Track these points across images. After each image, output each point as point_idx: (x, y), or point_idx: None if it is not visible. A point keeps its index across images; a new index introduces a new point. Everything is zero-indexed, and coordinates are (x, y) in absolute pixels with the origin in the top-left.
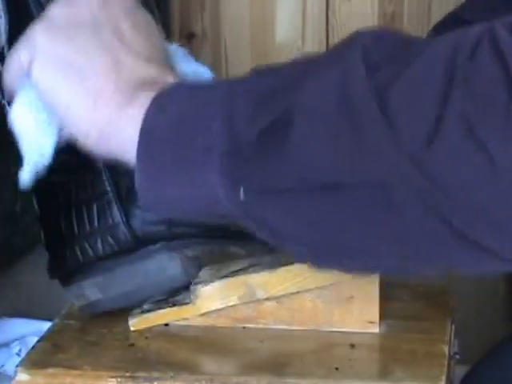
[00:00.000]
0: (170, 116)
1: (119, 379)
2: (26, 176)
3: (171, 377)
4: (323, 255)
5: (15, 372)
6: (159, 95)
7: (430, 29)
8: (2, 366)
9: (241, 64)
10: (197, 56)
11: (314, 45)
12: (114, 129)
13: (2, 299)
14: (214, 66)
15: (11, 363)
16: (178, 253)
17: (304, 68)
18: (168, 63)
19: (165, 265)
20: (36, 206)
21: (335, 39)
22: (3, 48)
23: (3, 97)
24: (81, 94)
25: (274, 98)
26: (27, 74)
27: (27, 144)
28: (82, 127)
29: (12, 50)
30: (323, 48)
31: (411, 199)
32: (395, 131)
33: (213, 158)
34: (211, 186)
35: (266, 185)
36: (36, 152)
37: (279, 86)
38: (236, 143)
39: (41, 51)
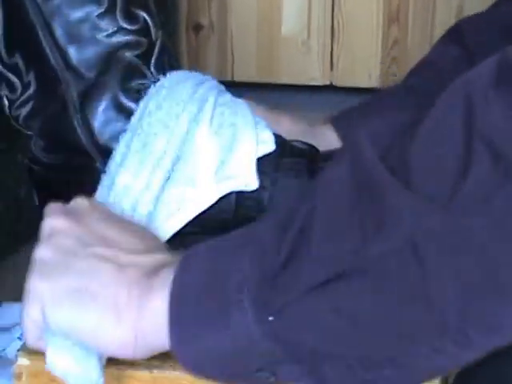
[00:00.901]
0: (196, 273)
1: (119, 366)
2: None
3: (170, 365)
4: (368, 363)
5: (16, 356)
6: (181, 261)
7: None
8: (4, 349)
9: (247, 55)
10: (203, 47)
11: (319, 38)
12: (147, 326)
13: (4, 285)
14: (220, 57)
15: (13, 347)
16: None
17: (314, 183)
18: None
19: None
20: (36, 201)
21: (340, 32)
22: None
23: (0, 89)
24: (100, 312)
25: (293, 214)
26: (45, 323)
27: (75, 381)
28: (117, 342)
29: (21, 315)
30: (328, 41)
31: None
32: (415, 186)
33: (244, 294)
34: (245, 325)
35: (296, 291)
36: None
37: (295, 203)
38: (266, 270)
39: (46, 296)
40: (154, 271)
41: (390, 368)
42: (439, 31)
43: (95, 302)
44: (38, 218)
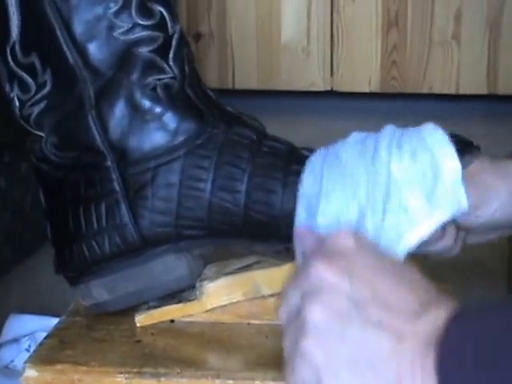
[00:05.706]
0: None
1: (126, 375)
2: None
3: (178, 372)
4: None
5: (23, 368)
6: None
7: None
8: (12, 361)
9: (247, 63)
10: (203, 56)
11: (318, 45)
12: None
13: (10, 296)
14: (221, 66)
15: (20, 358)
16: (184, 254)
17: None
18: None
19: (172, 266)
20: (42, 200)
21: (340, 39)
22: (14, 43)
23: (12, 90)
24: None
25: None
26: None
27: None
28: None
29: (287, 371)
30: (328, 47)
31: None
32: None
33: None
34: None
35: None
36: None
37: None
38: None
39: (321, 363)
40: (433, 339)
41: None
42: (438, 35)
43: (376, 376)
44: (44, 227)
